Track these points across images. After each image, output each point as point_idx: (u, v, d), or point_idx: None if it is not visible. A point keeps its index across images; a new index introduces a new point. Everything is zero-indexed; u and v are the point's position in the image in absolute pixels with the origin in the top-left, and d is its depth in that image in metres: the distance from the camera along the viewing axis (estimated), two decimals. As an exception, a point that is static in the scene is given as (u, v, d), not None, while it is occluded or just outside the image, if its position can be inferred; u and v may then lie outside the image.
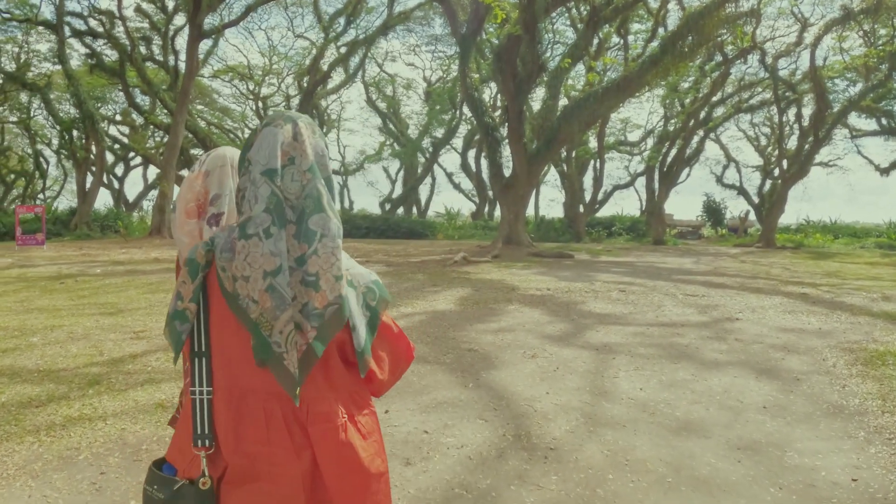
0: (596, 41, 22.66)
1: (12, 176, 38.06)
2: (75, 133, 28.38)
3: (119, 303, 8.98)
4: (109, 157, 41.23)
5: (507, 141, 20.54)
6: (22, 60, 29.64)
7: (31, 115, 33.65)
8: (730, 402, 4.66)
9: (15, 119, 34.62)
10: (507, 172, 20.98)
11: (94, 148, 26.40)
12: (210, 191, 1.60)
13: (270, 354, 1.28)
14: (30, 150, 38.36)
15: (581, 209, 32.60)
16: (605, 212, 39.13)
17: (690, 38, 17.04)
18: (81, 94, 25.35)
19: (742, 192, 38.80)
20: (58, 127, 29.06)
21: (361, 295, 1.41)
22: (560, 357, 5.96)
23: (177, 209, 1.61)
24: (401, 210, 42.32)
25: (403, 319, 7.89)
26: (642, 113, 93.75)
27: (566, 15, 26.46)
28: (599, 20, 19.48)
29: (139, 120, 34.56)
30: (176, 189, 24.16)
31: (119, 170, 42.47)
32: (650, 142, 37.76)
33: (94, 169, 27.55)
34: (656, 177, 31.51)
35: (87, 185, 27.87)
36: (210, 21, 28.99)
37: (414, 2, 34.81)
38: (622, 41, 28.20)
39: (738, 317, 8.40)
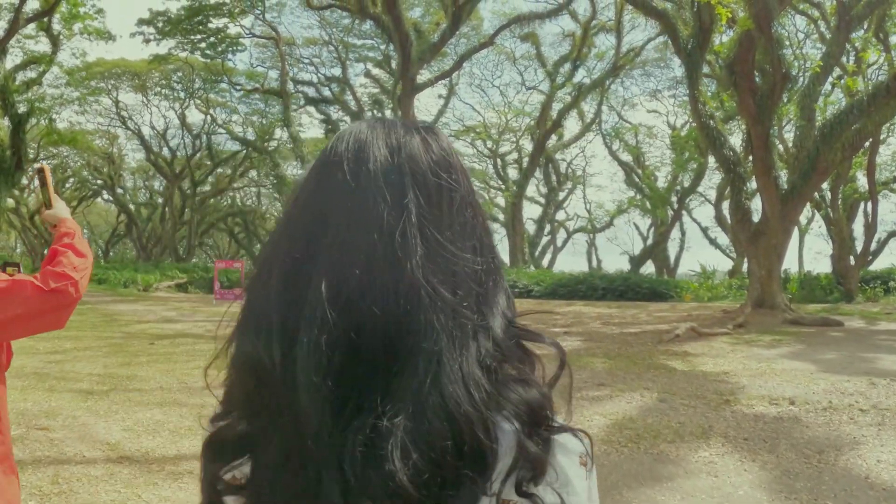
0: (853, 55, 17.63)
1: (269, 237, 42.48)
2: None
3: (152, 378, 7.18)
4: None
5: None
6: (263, 128, 32.69)
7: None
8: None
9: (268, 184, 38.54)
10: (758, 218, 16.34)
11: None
12: None
13: None
14: (281, 213, 42.45)
15: (852, 261, 24.97)
16: (879, 263, 30.94)
17: None
18: (305, 156, 26.65)
19: None
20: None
21: None
22: None
23: None
24: (651, 269, 37.78)
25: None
26: (920, 141, 76.34)
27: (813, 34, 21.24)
28: (851, 20, 15.56)
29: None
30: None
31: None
32: (932, 176, 29.81)
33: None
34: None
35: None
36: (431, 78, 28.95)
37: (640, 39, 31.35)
38: (883, 48, 21.51)
39: None
